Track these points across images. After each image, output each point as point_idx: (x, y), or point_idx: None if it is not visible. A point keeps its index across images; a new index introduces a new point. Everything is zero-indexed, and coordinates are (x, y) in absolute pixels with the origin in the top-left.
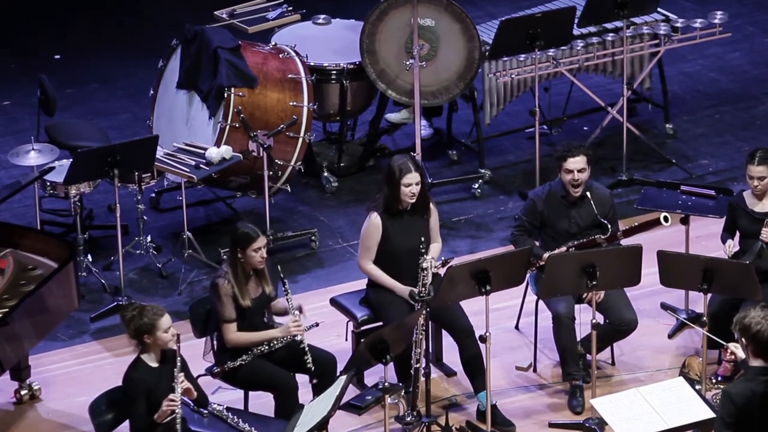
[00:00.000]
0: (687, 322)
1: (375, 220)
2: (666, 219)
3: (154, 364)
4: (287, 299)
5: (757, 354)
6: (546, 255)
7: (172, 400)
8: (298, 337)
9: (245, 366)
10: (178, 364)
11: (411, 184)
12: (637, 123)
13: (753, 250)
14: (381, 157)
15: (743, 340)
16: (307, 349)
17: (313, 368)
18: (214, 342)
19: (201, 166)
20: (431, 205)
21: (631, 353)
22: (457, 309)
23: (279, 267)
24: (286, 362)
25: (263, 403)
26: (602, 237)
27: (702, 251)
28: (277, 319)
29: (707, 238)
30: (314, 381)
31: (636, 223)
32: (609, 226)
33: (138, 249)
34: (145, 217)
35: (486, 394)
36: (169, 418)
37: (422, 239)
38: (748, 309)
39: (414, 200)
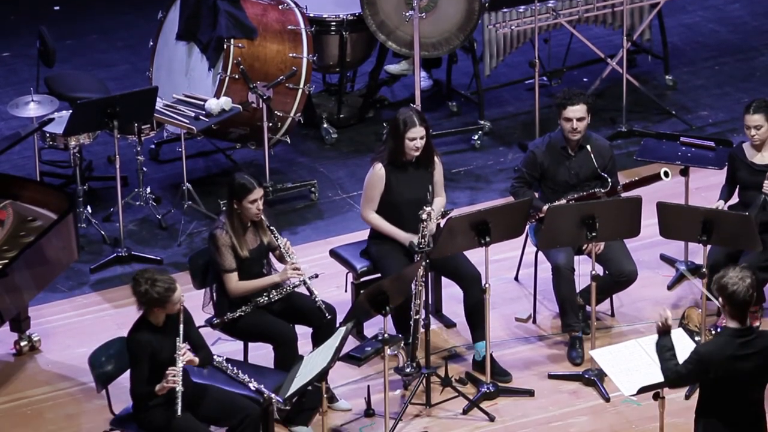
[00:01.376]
0: (686, 273)
1: (378, 170)
2: (666, 174)
3: (159, 325)
4: (282, 246)
5: (732, 315)
6: (546, 207)
7: (173, 376)
8: (300, 279)
9: (244, 317)
10: (181, 333)
11: (416, 138)
12: (636, 74)
13: (756, 204)
14: (380, 108)
15: (720, 299)
16: (311, 288)
17: (323, 306)
18: (214, 293)
19: (200, 117)
20: (436, 159)
21: (631, 304)
22: (463, 256)
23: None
24: (285, 314)
25: (263, 354)
26: (602, 191)
27: (701, 203)
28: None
29: (707, 189)
30: (328, 317)
31: (636, 178)
32: (609, 180)
33: (137, 200)
34: (144, 169)
35: (483, 344)
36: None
37: (429, 189)
38: (728, 268)
39: (418, 154)
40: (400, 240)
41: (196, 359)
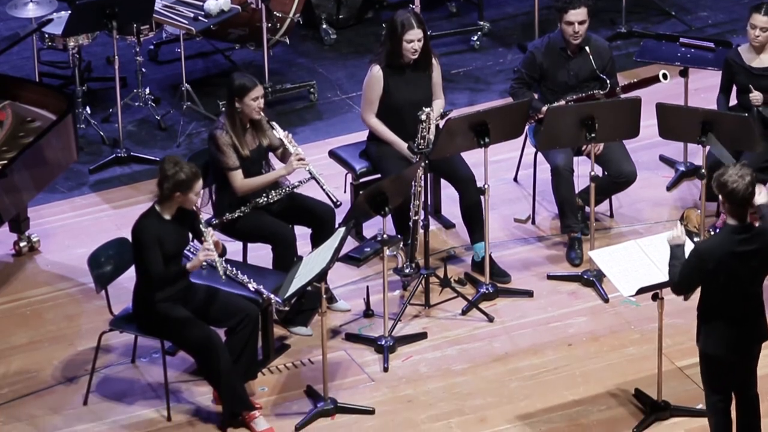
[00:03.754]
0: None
1: (376, 73)
2: (665, 76)
3: (168, 217)
4: (284, 138)
5: (732, 213)
6: (545, 108)
7: (208, 249)
8: (306, 168)
9: (243, 218)
10: (203, 220)
11: (413, 41)
12: None
13: (752, 114)
14: (380, 9)
15: (720, 197)
16: (318, 177)
17: (331, 192)
18: (213, 194)
19: (199, 18)
20: (434, 61)
21: (630, 205)
22: (458, 158)
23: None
24: (284, 214)
25: (262, 255)
26: (601, 92)
27: (701, 104)
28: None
29: (706, 90)
30: (338, 203)
31: (635, 80)
32: (608, 81)
33: (136, 101)
34: (143, 70)
35: (482, 245)
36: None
37: (431, 95)
38: (727, 166)
39: (416, 56)
40: (400, 148)
41: (221, 245)
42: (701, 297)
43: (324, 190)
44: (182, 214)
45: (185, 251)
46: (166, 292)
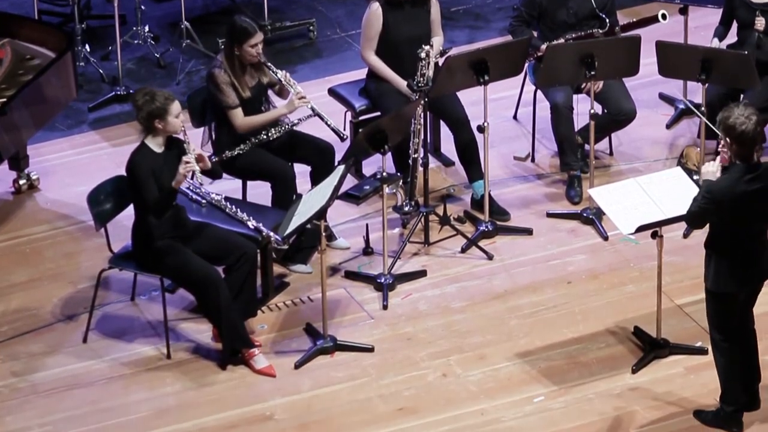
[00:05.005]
0: (692, 108)
1: (375, 9)
2: (664, 17)
3: (159, 150)
4: (282, 79)
5: (740, 154)
6: (544, 45)
7: (187, 162)
8: (308, 106)
9: (243, 155)
10: (187, 139)
11: None
12: None
13: (750, 42)
14: None
15: (727, 139)
16: (320, 113)
17: (333, 124)
18: (212, 132)
19: None
20: None
21: (629, 143)
22: (453, 98)
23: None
24: (284, 152)
25: (261, 193)
26: (600, 31)
27: (700, 42)
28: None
29: (706, 28)
30: (345, 136)
31: (634, 19)
32: (607, 20)
33: (136, 39)
34: (143, 7)
35: (481, 183)
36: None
37: (430, 32)
38: (731, 108)
39: None
40: (399, 85)
41: (207, 160)
42: (711, 237)
43: (329, 125)
44: (173, 144)
45: (186, 189)
46: (164, 228)
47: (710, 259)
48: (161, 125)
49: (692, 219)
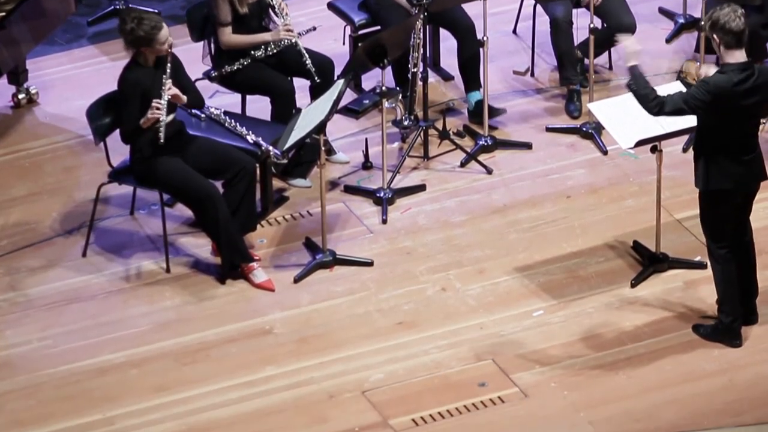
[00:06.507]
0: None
1: None
2: None
3: (150, 65)
4: (276, 6)
5: (731, 44)
6: None
7: (157, 108)
8: (293, 41)
9: (242, 70)
10: (168, 70)
11: None
12: None
13: None
14: None
15: (715, 36)
16: (303, 50)
17: (313, 69)
18: (212, 46)
19: None
20: None
21: None
22: (460, 8)
23: None
24: (283, 66)
25: (260, 107)
26: None
27: None
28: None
29: None
30: (317, 81)
31: None
32: None
33: None
34: None
35: (475, 94)
36: (155, 124)
37: None
38: (721, 7)
39: None
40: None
41: (183, 97)
42: (699, 139)
43: (307, 65)
44: (164, 58)
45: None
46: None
47: (700, 161)
48: (148, 50)
49: (687, 99)
